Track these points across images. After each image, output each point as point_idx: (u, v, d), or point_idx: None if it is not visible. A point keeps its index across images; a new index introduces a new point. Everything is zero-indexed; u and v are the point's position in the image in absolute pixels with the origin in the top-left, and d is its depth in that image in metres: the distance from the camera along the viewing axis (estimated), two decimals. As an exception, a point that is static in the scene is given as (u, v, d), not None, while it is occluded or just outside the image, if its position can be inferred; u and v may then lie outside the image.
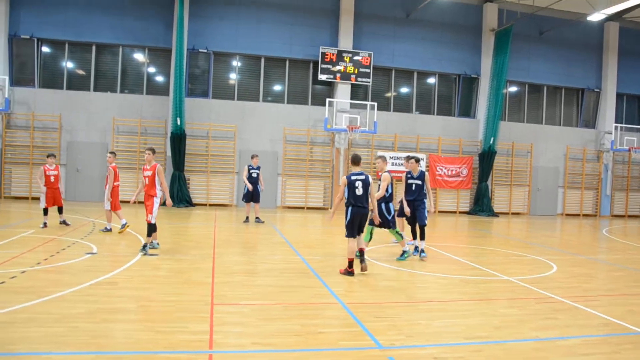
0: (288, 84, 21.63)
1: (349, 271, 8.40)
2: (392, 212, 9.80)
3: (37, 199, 19.41)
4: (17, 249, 9.48)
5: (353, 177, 8.42)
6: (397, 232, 9.95)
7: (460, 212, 22.51)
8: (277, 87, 21.74)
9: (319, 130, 21.25)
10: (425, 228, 10.32)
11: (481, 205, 22.23)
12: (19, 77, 20.08)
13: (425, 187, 10.27)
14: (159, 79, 21.11)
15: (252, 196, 14.96)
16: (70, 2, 19.96)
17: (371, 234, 9.76)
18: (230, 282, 7.80)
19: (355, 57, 21.15)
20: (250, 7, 20.84)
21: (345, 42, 21.21)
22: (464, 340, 5.50)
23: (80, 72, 20.75)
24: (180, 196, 19.78)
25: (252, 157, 15.24)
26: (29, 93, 19.97)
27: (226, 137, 20.78)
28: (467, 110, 23.08)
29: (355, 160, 8.58)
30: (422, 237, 10.26)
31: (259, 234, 13.48)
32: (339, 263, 9.44)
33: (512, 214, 23.18)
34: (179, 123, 19.46)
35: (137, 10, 20.30)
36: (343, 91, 21.33)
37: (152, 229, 9.53)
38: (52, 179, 12.87)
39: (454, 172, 22.27)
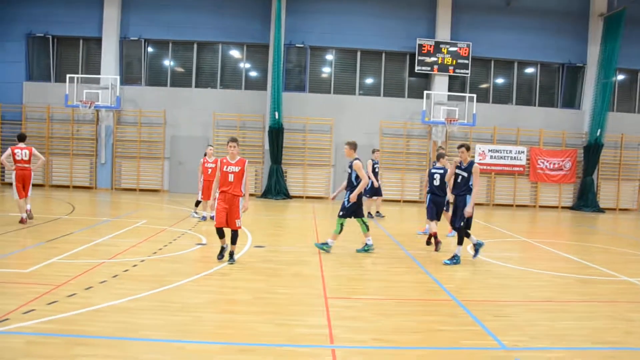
0: (384, 76, 21.43)
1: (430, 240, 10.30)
2: (349, 202, 9.24)
3: (145, 190, 20.37)
4: (134, 239, 9.90)
5: (433, 170, 10.38)
6: (362, 222, 9.46)
7: (562, 207, 21.47)
8: (373, 80, 21.61)
9: (416, 123, 20.92)
10: (468, 231, 8.86)
11: (585, 200, 21.11)
12: (128, 76, 21.10)
13: (471, 181, 8.83)
14: (257, 74, 21.53)
15: (376, 191, 14.49)
16: (174, 4, 20.75)
17: (341, 225, 9.39)
18: (340, 275, 7.79)
19: (453, 48, 20.66)
20: (345, 1, 20.82)
21: (443, 33, 20.76)
22: (592, 345, 5.15)
23: (182, 69, 21.49)
24: (278, 189, 20.06)
25: (374, 152, 14.88)
26: (136, 91, 20.93)
27: (322, 131, 20.87)
28: (571, 101, 21.98)
29: (438, 157, 10.65)
30: (460, 242, 8.85)
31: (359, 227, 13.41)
32: (443, 256, 9.33)
33: (620, 210, 21.84)
34: (277, 117, 19.74)
35: (235, 9, 20.78)
36: (440, 83, 20.89)
37: (237, 235, 8.14)
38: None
39: (556, 166, 21.28)
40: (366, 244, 9.55)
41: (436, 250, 9.91)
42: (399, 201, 21.00)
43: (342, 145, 19.86)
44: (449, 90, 20.95)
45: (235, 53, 21.53)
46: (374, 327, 5.48)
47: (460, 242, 8.81)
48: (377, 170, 14.52)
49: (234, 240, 8.08)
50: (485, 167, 20.71)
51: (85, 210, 14.88)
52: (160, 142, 20.86)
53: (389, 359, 4.71)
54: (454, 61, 20.75)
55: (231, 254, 8.17)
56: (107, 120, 20.77)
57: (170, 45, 21.23)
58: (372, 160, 14.52)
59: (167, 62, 21.45)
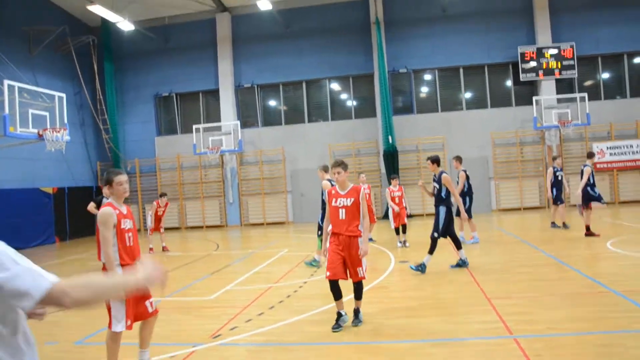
0: (489, 89, 21.76)
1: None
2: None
3: (272, 223, 21.64)
4: (286, 265, 10.88)
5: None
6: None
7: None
8: (478, 94, 21.99)
9: (527, 130, 20.98)
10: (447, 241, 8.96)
11: None
12: (245, 120, 22.82)
13: (443, 192, 8.80)
14: (364, 102, 22.56)
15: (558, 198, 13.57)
16: (280, 50, 22.44)
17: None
18: (491, 279, 8.11)
19: (556, 51, 20.68)
20: (440, 23, 21.53)
21: (544, 37, 20.87)
22: None
23: (294, 107, 22.96)
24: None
25: (554, 159, 13.86)
26: (254, 133, 22.59)
27: (434, 149, 21.38)
28: (690, 87, 21.19)
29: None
30: (430, 251, 8.77)
31: (492, 236, 13.79)
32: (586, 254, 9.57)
33: None
34: (390, 141, 20.54)
35: (337, 45, 22.09)
36: (547, 87, 20.91)
37: (361, 288, 6.14)
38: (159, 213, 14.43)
39: (683, 156, 20.44)
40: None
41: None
42: (519, 209, 20.95)
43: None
44: (557, 92, 20.89)
45: (341, 85, 22.74)
46: (544, 318, 5.76)
47: (430, 252, 8.79)
48: (560, 177, 13.61)
49: (358, 295, 6.04)
50: (604, 165, 20.31)
51: (228, 245, 16.28)
52: (281, 177, 22.26)
53: (571, 343, 4.97)
54: (559, 64, 20.75)
55: (356, 312, 6.10)
56: (231, 163, 22.49)
57: (281, 86, 22.81)
58: (554, 167, 13.61)
59: (280, 103, 22.99)
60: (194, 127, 21.77)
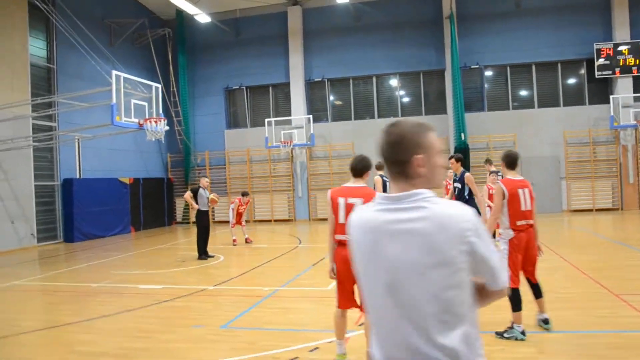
0: (562, 86, 21.61)
1: None
2: None
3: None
4: None
5: None
6: None
7: None
8: (550, 91, 21.84)
9: (601, 129, 20.85)
10: None
11: None
12: (314, 114, 23.06)
13: (467, 192, 8.55)
14: (434, 98, 22.60)
15: None
16: (350, 44, 22.56)
17: None
18: (607, 276, 8.30)
19: (635, 48, 20.40)
20: (513, 19, 21.36)
21: (621, 34, 20.58)
22: None
23: (364, 102, 23.13)
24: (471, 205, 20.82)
25: None
26: (323, 127, 22.84)
27: (505, 147, 21.33)
28: None
29: None
30: None
31: (575, 236, 13.91)
32: None
33: None
34: (463, 138, 20.61)
35: (408, 39, 22.12)
36: (624, 85, 20.68)
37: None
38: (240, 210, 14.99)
39: None
40: None
41: None
42: (591, 210, 20.94)
43: (527, 160, 20.38)
44: (635, 91, 20.66)
45: (411, 81, 22.79)
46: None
47: None
48: None
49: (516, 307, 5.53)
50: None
51: (309, 239, 16.59)
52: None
53: None
54: (637, 61, 20.48)
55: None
56: (301, 157, 22.84)
57: (351, 81, 22.96)
58: None
59: (349, 97, 23.16)
60: (266, 120, 22.08)
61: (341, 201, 4.62)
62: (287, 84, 23.13)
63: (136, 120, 13.45)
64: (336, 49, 22.71)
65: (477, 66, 21.71)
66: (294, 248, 14.26)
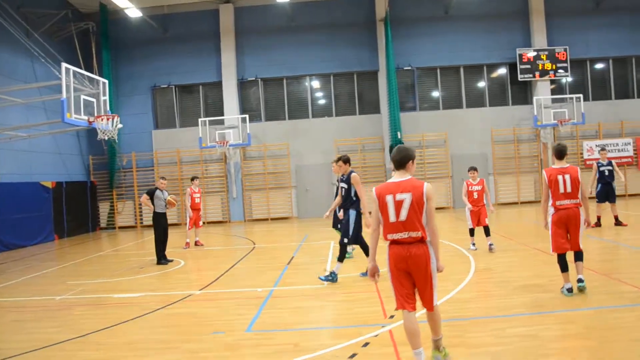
0: (488, 88, 22.67)
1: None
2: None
3: (276, 219, 21.51)
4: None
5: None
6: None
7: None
8: (478, 93, 22.84)
9: (524, 128, 22.09)
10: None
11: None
12: (248, 114, 22.50)
13: (354, 192, 8.38)
14: (369, 99, 22.88)
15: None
16: (285, 44, 22.38)
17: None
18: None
19: (552, 54, 21.85)
20: (444, 23, 22.20)
21: (540, 40, 21.99)
22: None
23: (298, 102, 22.96)
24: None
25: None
26: (257, 127, 22.38)
27: (437, 145, 22.11)
28: (667, 90, 22.99)
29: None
30: (340, 259, 8.38)
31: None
32: None
33: None
34: (399, 136, 21.00)
35: (343, 41, 22.28)
36: (543, 87, 22.08)
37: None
38: (196, 200, 14.29)
39: (662, 153, 22.19)
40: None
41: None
42: (516, 203, 22.05)
43: (457, 157, 21.11)
44: (553, 93, 22.11)
45: (346, 81, 22.92)
46: None
47: (340, 259, 8.36)
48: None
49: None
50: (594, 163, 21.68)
51: (262, 240, 16.06)
52: (287, 173, 22.24)
53: None
54: (554, 66, 21.94)
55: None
56: (235, 157, 22.21)
57: (285, 81, 22.72)
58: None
59: (284, 97, 22.89)
60: (199, 120, 21.28)
61: (389, 198, 4.31)
62: (219, 83, 22.49)
63: (85, 117, 12.44)
64: (270, 48, 22.41)
65: (409, 68, 22.26)
66: (252, 249, 13.65)
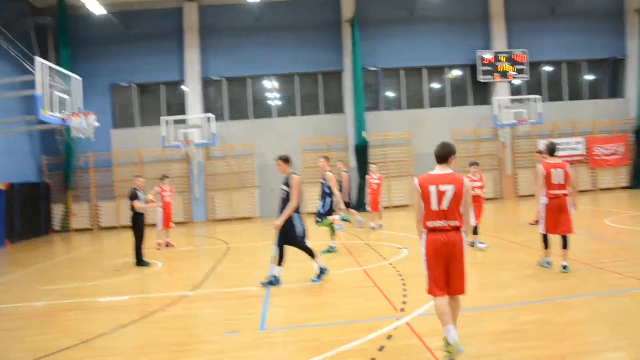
0: (450, 89, 23.18)
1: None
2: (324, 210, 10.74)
3: (240, 219, 21.16)
4: (339, 255, 10.92)
5: None
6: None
7: (620, 188, 23.33)
8: (439, 93, 23.31)
9: (484, 128, 22.68)
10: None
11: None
12: (212, 113, 22.07)
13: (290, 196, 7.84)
14: (333, 98, 22.95)
15: None
16: (249, 43, 22.19)
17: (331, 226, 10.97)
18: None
19: (511, 56, 22.59)
20: (409, 24, 22.57)
21: (499, 43, 22.72)
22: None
23: (263, 101, 22.77)
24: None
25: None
26: (221, 126, 21.99)
27: (400, 144, 22.39)
28: (617, 91, 24.11)
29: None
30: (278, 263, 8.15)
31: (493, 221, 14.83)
32: None
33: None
34: (364, 136, 21.14)
35: (308, 42, 22.32)
36: (502, 88, 22.78)
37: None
38: (166, 199, 14.00)
39: (610, 151, 23.27)
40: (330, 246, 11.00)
41: None
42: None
43: (421, 156, 21.41)
44: (512, 94, 22.85)
45: (310, 81, 22.90)
46: None
47: (312, 256, 8.26)
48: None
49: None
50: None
51: (234, 239, 15.68)
52: (250, 172, 21.96)
53: None
54: (513, 67, 22.69)
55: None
56: (198, 157, 21.75)
57: (249, 80, 22.50)
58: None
59: (249, 97, 22.64)
60: (162, 119, 20.74)
61: (432, 189, 4.63)
62: (181, 82, 22.03)
63: (59, 115, 11.88)
64: (235, 47, 22.17)
65: (373, 68, 22.49)
66: (228, 249, 13.33)
